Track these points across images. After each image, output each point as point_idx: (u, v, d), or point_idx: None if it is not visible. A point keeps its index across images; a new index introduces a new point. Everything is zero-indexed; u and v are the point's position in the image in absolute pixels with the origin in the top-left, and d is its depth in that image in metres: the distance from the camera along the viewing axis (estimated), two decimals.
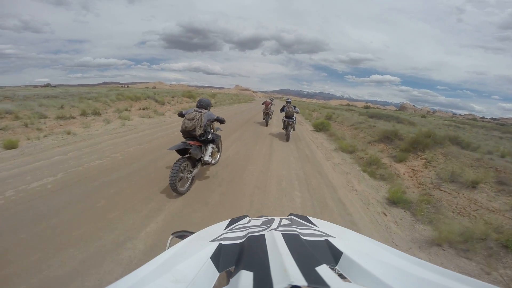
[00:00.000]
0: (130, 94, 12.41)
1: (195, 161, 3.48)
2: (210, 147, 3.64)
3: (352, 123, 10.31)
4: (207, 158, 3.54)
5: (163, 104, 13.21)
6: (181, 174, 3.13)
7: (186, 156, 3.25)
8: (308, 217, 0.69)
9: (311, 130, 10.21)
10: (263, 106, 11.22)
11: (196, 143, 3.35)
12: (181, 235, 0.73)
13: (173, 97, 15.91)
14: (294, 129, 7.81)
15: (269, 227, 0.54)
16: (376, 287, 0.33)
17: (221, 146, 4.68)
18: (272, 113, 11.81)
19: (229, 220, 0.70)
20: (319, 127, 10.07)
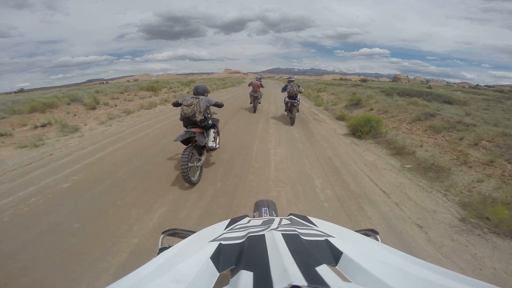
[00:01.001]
0: (44, 99, 8.00)
1: (201, 149, 3.50)
2: (212, 132, 3.68)
3: (408, 113, 6.23)
4: (211, 143, 3.59)
5: (93, 109, 8.39)
6: (190, 164, 3.08)
7: (190, 145, 3.20)
8: (308, 217, 0.68)
9: (344, 135, 5.73)
10: (250, 88, 9.12)
11: (198, 130, 3.32)
12: (172, 233, 0.74)
13: (122, 92, 11.68)
14: (298, 111, 6.95)
15: (269, 227, 0.54)
16: (376, 287, 0.32)
17: (219, 131, 4.26)
18: (261, 96, 9.66)
19: (229, 220, 0.69)
20: (361, 129, 5.37)
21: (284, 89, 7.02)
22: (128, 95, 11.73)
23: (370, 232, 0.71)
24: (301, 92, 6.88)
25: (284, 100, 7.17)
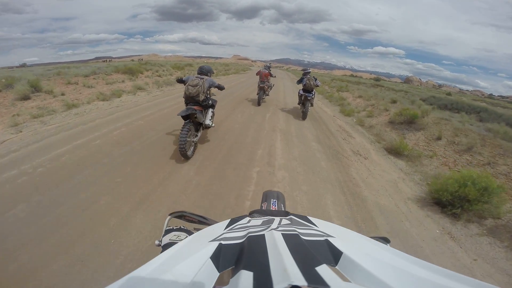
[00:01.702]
0: None
1: (197, 125, 3.65)
2: (210, 112, 3.85)
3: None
4: (208, 122, 3.74)
5: (26, 99, 5.76)
6: (188, 139, 3.27)
7: (189, 121, 3.36)
8: (308, 217, 0.66)
9: (418, 202, 2.99)
10: (256, 79, 8.38)
11: (199, 108, 3.49)
12: (180, 215, 0.73)
13: (86, 76, 8.69)
14: (312, 105, 6.56)
15: (269, 227, 0.53)
16: (376, 287, 0.32)
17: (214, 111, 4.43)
18: (271, 87, 8.50)
19: (229, 220, 0.67)
20: (458, 202, 2.67)
21: (299, 81, 6.58)
22: (94, 79, 8.85)
23: (382, 240, 0.69)
24: (318, 86, 6.44)
25: (299, 92, 6.69)
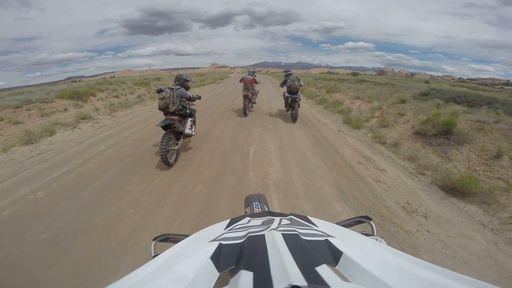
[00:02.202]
0: None
1: (178, 134, 3.82)
2: (189, 121, 4.01)
3: None
4: (187, 131, 3.92)
5: None
6: (169, 147, 3.44)
7: (169, 130, 3.53)
8: (308, 217, 0.66)
9: None
10: (242, 85, 7.21)
11: (177, 118, 3.65)
12: (164, 238, 0.73)
13: (16, 108, 6.59)
14: (299, 106, 6.24)
15: (269, 227, 0.53)
16: (376, 287, 0.32)
17: (195, 120, 4.65)
18: (257, 94, 7.95)
19: (229, 220, 0.68)
20: None
21: (283, 84, 6.36)
22: (28, 109, 6.79)
23: (364, 219, 0.72)
24: (301, 86, 6.23)
25: (284, 95, 6.66)
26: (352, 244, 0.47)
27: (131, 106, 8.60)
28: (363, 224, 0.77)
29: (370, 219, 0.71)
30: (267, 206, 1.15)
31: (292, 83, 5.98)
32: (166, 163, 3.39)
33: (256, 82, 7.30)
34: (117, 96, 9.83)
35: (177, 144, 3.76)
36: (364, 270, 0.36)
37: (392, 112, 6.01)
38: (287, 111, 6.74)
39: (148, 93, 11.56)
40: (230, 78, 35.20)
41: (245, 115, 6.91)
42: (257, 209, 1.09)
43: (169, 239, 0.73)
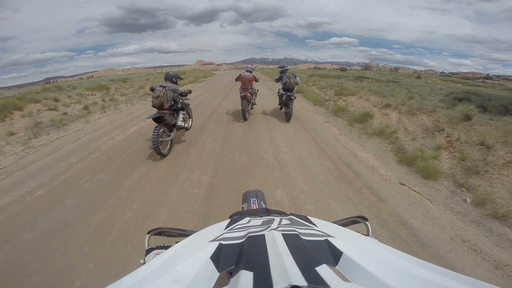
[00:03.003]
0: None
1: (171, 127, 4.04)
2: (181, 114, 4.24)
3: None
4: (180, 123, 4.17)
5: None
6: (161, 139, 3.69)
7: (162, 123, 3.74)
8: (308, 217, 0.65)
9: None
10: (239, 84, 6.28)
11: (168, 112, 3.86)
12: (158, 232, 0.72)
13: None
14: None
15: (269, 227, 0.53)
16: (376, 287, 0.32)
17: (192, 113, 5.22)
18: (256, 94, 6.94)
19: (229, 220, 0.68)
20: None
21: (278, 80, 6.08)
22: None
23: (360, 219, 0.74)
24: (298, 84, 5.88)
25: (278, 92, 6.25)
26: (352, 244, 0.46)
27: (67, 124, 6.04)
28: (359, 224, 0.78)
29: (366, 219, 0.73)
30: (265, 203, 1.17)
31: (288, 80, 5.64)
32: (159, 154, 3.68)
33: (256, 80, 6.30)
34: (54, 108, 7.17)
35: (169, 135, 4.03)
36: (364, 270, 0.35)
37: (466, 140, 3.84)
38: (281, 109, 6.47)
39: (103, 100, 8.93)
40: (215, 76, 32.45)
41: (245, 119, 6.09)
42: (254, 205, 1.10)
43: (164, 232, 0.73)
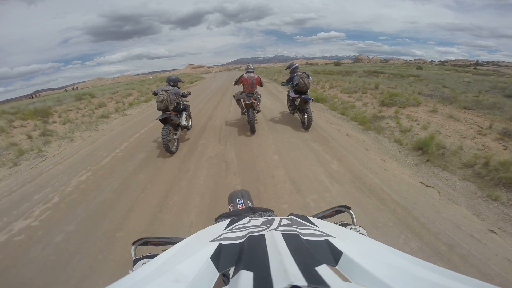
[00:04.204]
0: None
1: (176, 126, 4.51)
2: (184, 114, 4.74)
3: None
4: (183, 122, 4.68)
5: None
6: (169, 137, 4.08)
7: (168, 123, 4.16)
8: (308, 217, 0.65)
9: None
10: (239, 89, 5.50)
11: (173, 112, 4.30)
12: (144, 242, 0.72)
13: None
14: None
15: (269, 227, 0.53)
16: (376, 287, 0.32)
17: (191, 114, 5.55)
18: (260, 99, 5.45)
19: (229, 220, 0.67)
20: None
21: (288, 82, 5.31)
22: None
23: (343, 208, 0.73)
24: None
25: (288, 95, 5.52)
26: (352, 244, 0.47)
27: None
28: (343, 213, 0.77)
29: (349, 208, 0.73)
30: (251, 202, 1.16)
31: (301, 80, 4.87)
32: (168, 151, 4.13)
33: (261, 84, 5.32)
34: None
35: (176, 134, 4.47)
36: (364, 270, 0.35)
37: None
38: (292, 114, 5.69)
39: (29, 137, 5.99)
40: (204, 79, 29.78)
41: (253, 132, 5.11)
42: (240, 206, 1.10)
43: (149, 242, 0.73)
